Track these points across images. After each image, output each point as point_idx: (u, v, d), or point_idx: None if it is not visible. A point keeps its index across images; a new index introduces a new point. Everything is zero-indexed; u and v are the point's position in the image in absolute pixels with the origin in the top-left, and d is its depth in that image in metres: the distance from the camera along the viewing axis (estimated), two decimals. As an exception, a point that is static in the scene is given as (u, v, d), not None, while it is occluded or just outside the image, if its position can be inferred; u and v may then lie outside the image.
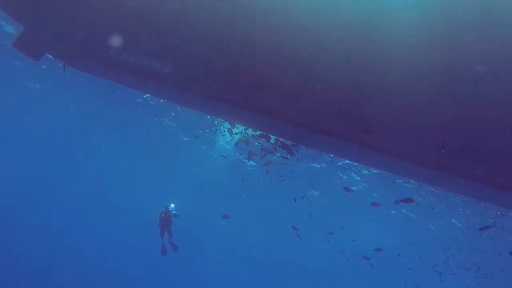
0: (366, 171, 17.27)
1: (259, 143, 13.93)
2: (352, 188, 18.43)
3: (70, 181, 48.46)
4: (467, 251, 21.68)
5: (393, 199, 18.08)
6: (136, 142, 29.49)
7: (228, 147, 22.10)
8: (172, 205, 16.66)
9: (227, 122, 14.09)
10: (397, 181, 16.78)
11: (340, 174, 19.02)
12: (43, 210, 44.40)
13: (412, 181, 16.10)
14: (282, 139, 12.14)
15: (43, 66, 18.33)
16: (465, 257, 22.59)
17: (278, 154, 16.90)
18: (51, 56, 8.68)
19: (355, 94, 5.11)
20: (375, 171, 16.43)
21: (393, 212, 22.56)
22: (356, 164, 16.60)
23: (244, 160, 21.64)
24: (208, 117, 16.29)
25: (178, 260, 31.12)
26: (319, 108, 5.70)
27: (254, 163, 21.85)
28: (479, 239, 18.71)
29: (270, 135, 10.49)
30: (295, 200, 17.72)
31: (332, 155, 14.38)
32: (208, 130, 18.38)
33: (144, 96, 18.63)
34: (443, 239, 22.01)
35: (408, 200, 8.44)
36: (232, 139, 15.94)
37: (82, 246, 40.46)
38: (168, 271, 42.83)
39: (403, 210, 21.90)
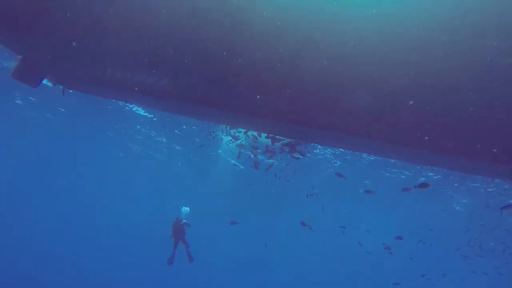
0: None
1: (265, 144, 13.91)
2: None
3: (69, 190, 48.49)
4: (489, 232, 21.22)
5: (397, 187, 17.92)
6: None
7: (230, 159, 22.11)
8: (187, 208, 16.55)
9: (229, 127, 14.05)
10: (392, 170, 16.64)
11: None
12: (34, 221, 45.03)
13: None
14: (287, 139, 12.10)
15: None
16: (489, 238, 22.10)
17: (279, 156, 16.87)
18: (49, 83, 8.77)
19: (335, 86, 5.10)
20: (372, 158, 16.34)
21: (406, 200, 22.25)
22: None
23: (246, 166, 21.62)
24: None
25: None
26: (317, 105, 5.64)
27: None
28: (500, 217, 18.31)
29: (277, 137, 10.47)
30: (307, 196, 17.49)
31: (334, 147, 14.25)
32: (211, 136, 18.36)
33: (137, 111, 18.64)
34: (464, 221, 21.55)
35: (424, 185, 8.24)
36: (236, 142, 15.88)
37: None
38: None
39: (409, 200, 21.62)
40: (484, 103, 4.64)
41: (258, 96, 5.88)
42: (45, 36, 6.24)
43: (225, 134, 15.54)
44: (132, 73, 6.45)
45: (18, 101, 21.69)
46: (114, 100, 16.27)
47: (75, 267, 41.14)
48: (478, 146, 5.39)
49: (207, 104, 6.58)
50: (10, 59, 14.63)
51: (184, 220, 16.16)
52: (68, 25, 5.62)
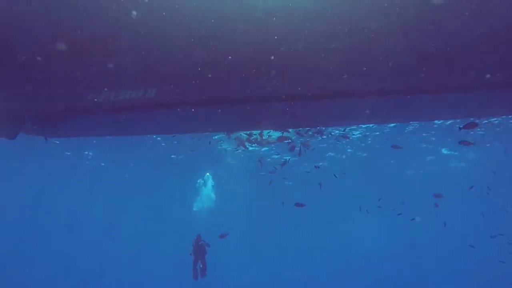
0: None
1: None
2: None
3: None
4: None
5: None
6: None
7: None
8: (208, 174, 15.75)
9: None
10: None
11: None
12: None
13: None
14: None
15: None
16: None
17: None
18: (28, 134, 8.08)
19: None
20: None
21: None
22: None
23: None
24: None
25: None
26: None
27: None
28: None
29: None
30: (320, 186, 16.56)
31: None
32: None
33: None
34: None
35: (471, 124, 7.42)
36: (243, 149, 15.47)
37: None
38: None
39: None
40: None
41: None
42: (12, 83, 5.62)
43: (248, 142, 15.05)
44: (117, 92, 5.84)
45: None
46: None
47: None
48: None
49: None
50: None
51: (202, 240, 15.78)
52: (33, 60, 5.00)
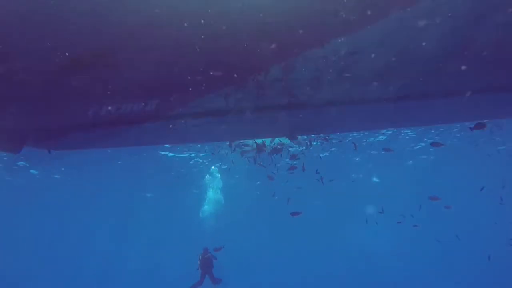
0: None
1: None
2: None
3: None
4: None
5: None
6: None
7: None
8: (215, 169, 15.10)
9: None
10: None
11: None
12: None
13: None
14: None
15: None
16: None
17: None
18: (33, 147, 8.17)
19: None
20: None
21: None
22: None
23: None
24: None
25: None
26: None
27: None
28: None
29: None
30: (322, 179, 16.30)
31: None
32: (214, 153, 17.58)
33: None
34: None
35: (480, 125, 7.48)
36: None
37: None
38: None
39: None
40: None
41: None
42: (15, 98, 5.71)
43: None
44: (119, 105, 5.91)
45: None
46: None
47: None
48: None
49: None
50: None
51: (210, 253, 15.21)
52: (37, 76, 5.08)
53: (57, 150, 8.60)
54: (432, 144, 11.55)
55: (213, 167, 17.84)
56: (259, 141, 12.71)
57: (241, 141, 13.58)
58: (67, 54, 4.62)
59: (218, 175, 21.31)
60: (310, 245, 47.09)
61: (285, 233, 42.48)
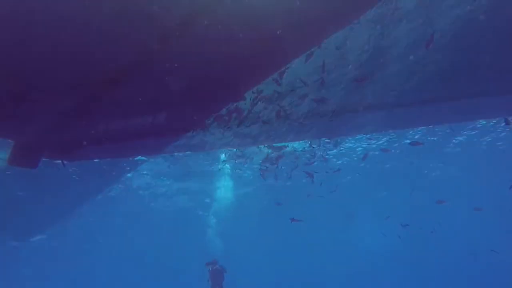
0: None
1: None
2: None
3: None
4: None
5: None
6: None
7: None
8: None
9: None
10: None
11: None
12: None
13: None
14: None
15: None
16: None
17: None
18: (49, 159, 8.47)
19: None
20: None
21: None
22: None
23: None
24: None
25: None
26: None
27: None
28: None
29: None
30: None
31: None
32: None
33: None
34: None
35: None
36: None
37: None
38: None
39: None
40: None
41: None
42: (33, 115, 5.97)
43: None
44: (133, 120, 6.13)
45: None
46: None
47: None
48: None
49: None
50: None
51: (219, 265, 14.41)
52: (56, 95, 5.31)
53: (70, 161, 8.88)
54: (410, 143, 11.53)
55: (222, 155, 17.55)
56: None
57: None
58: (78, 75, 4.84)
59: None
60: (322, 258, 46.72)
61: (294, 242, 42.52)
